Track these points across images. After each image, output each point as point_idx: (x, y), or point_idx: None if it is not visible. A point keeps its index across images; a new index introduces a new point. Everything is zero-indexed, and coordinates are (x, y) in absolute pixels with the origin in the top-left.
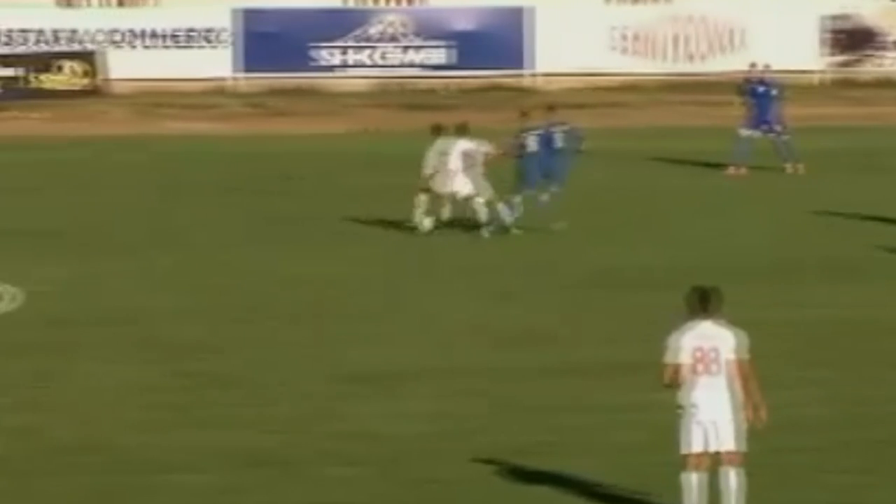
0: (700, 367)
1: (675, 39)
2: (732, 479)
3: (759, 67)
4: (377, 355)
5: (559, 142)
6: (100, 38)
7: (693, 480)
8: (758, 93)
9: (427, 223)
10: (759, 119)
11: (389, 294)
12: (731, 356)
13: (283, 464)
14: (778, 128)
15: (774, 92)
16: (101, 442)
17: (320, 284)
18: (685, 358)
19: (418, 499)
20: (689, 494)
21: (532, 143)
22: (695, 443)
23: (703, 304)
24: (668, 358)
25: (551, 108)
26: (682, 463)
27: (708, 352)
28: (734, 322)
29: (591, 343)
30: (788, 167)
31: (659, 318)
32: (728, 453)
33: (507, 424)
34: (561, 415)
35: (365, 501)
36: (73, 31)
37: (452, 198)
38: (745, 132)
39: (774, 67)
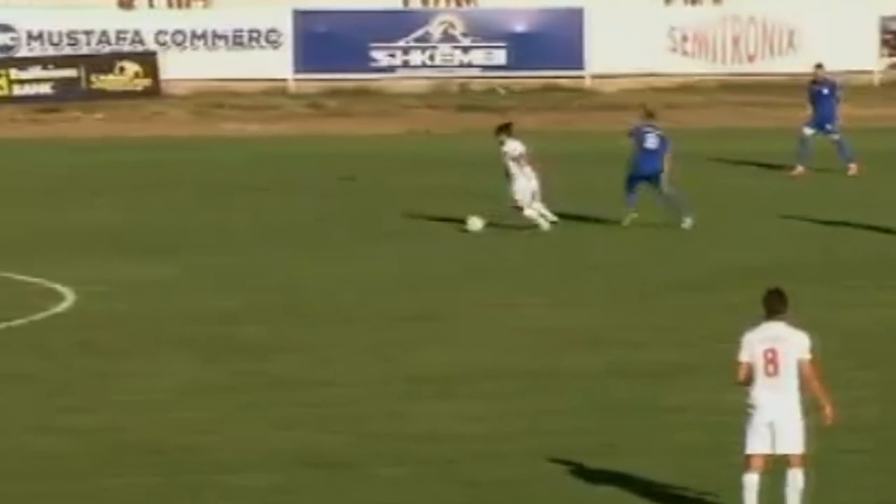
0: (770, 368)
1: (732, 40)
2: (794, 480)
3: (824, 68)
4: (437, 356)
5: (652, 144)
6: (159, 39)
7: (752, 481)
8: (820, 94)
9: (478, 223)
10: (820, 119)
11: (450, 294)
12: (800, 357)
13: (343, 464)
14: (830, 127)
15: (826, 91)
16: (163, 442)
17: (379, 285)
18: (755, 358)
19: (476, 499)
20: (748, 494)
21: (649, 142)
22: (758, 444)
23: (776, 305)
24: (741, 356)
25: (650, 114)
26: (745, 463)
27: (777, 353)
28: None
29: (654, 344)
30: (852, 167)
31: (720, 320)
32: (791, 455)
33: (567, 426)
34: (621, 416)
35: (421, 502)
36: (132, 32)
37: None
38: (808, 131)
39: (831, 68)
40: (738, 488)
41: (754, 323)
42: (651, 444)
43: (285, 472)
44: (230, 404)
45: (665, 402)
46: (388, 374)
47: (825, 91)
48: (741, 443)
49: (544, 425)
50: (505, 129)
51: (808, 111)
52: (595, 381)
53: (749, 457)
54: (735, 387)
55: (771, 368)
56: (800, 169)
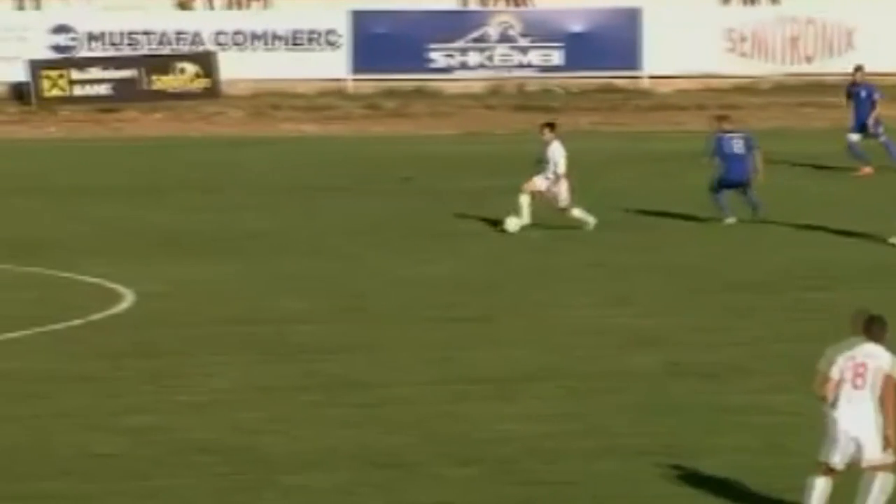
0: (858, 381)
1: (789, 41)
2: (876, 481)
3: (863, 71)
4: (494, 356)
5: (738, 149)
6: (218, 39)
7: (819, 484)
8: (858, 96)
9: (515, 223)
10: (859, 123)
11: (506, 295)
12: (885, 372)
13: (403, 464)
14: (875, 130)
15: (864, 94)
16: (221, 442)
17: (436, 285)
18: (836, 371)
19: (536, 499)
20: (814, 494)
21: (736, 147)
22: (837, 457)
23: (866, 328)
24: (822, 366)
25: (723, 117)
26: (815, 466)
27: (867, 367)
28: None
29: (710, 345)
30: None
31: (775, 321)
32: (871, 464)
33: (624, 426)
34: (677, 416)
35: (481, 501)
36: (191, 33)
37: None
38: (854, 137)
39: (887, 69)
40: (797, 489)
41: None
42: (706, 445)
43: (346, 472)
44: (288, 404)
45: (720, 402)
46: (446, 374)
47: (863, 94)
48: (814, 448)
49: (601, 425)
50: (551, 127)
51: (849, 115)
52: (651, 381)
53: (821, 463)
54: (789, 389)
55: (859, 382)
56: (867, 169)
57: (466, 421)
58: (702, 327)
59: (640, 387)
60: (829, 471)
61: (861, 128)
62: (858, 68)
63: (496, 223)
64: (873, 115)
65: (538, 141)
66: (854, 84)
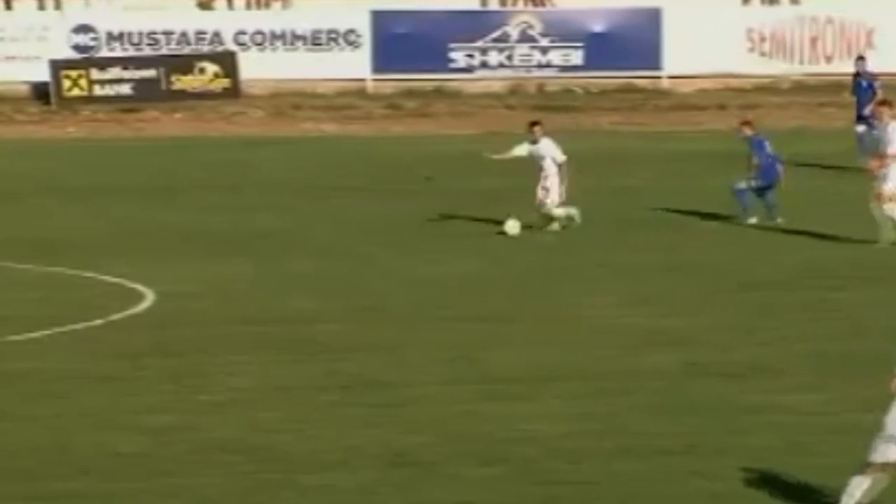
0: None
1: (809, 41)
2: None
3: (865, 61)
4: (514, 356)
5: (771, 150)
6: (238, 39)
7: (865, 484)
8: (860, 87)
9: (516, 227)
10: (859, 112)
11: (526, 294)
12: None
13: (424, 464)
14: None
15: (865, 84)
16: (240, 441)
17: (456, 285)
18: None
19: (555, 499)
20: (856, 492)
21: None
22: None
23: None
24: None
25: (747, 122)
26: (862, 467)
27: None
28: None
29: (730, 344)
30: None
31: (796, 320)
32: None
33: (644, 426)
34: (698, 416)
35: (502, 501)
36: (212, 33)
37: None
38: (860, 129)
39: None
40: (820, 490)
41: None
42: (728, 445)
43: (366, 472)
44: (308, 404)
45: (742, 402)
46: (465, 374)
47: (864, 84)
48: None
49: (622, 425)
50: (538, 125)
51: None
52: (671, 381)
53: (870, 464)
54: (810, 388)
55: None
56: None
57: (486, 420)
58: (722, 327)
59: (660, 387)
60: (877, 471)
61: (862, 118)
62: (861, 58)
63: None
64: (872, 105)
65: (566, 143)
66: (858, 74)
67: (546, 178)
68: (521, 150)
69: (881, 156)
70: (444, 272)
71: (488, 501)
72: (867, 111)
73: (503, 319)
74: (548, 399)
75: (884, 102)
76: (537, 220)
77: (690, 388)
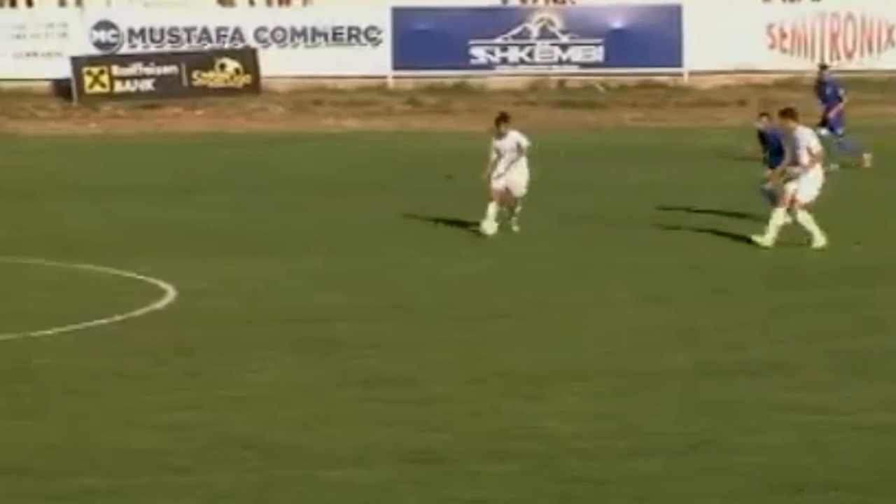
0: None
1: (830, 37)
2: None
3: (828, 69)
4: (531, 354)
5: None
6: (259, 36)
7: None
8: (824, 94)
9: (492, 227)
10: (823, 118)
11: (543, 292)
12: None
13: (441, 461)
14: (835, 126)
15: (829, 91)
16: (260, 437)
17: (474, 283)
18: None
19: (572, 495)
20: None
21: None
22: None
23: None
24: None
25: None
26: None
27: None
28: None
29: (746, 343)
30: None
31: (811, 319)
32: None
33: (660, 424)
34: (714, 414)
35: (519, 497)
36: (232, 30)
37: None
38: (823, 132)
39: None
40: (837, 487)
41: None
42: (744, 443)
43: (385, 469)
44: (328, 401)
45: (756, 400)
46: (483, 372)
47: (828, 91)
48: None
49: (636, 424)
50: (505, 120)
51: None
52: (686, 379)
53: None
54: (826, 386)
55: None
56: (866, 156)
57: (503, 418)
58: (737, 325)
59: (675, 385)
60: None
61: (825, 122)
62: (824, 66)
63: (536, 220)
64: (835, 110)
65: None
66: (821, 82)
67: (516, 166)
68: (492, 150)
69: (793, 162)
70: (464, 271)
71: (504, 498)
72: (831, 115)
73: (521, 318)
74: (565, 397)
75: (788, 111)
76: (505, 212)
77: (705, 386)
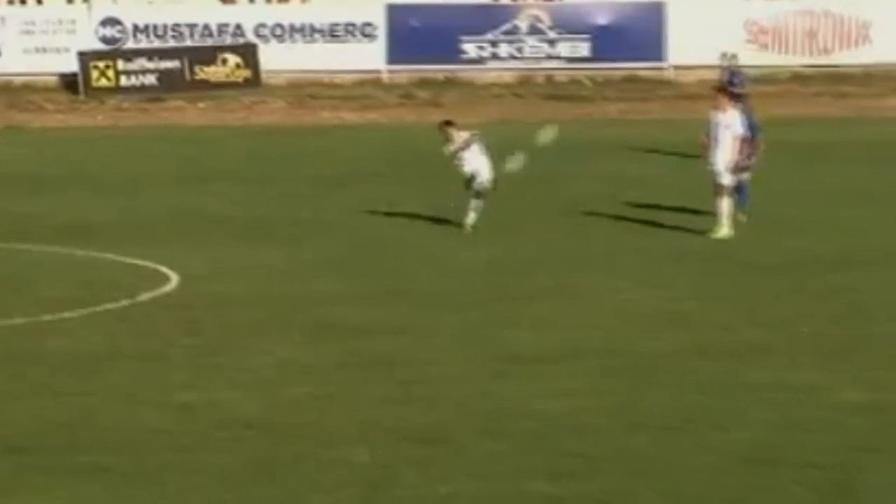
0: None
1: (807, 33)
2: None
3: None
4: (528, 336)
5: None
6: (259, 32)
7: None
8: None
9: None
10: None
11: (540, 278)
12: None
13: (439, 439)
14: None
15: (736, 81)
16: (264, 418)
17: (473, 268)
18: None
19: (564, 470)
20: None
21: None
22: None
23: None
24: None
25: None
26: None
27: None
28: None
29: (736, 326)
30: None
31: (798, 302)
32: None
33: (651, 402)
34: (703, 393)
35: (513, 472)
36: (233, 26)
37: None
38: None
39: None
40: (812, 466)
41: None
42: (729, 421)
43: (384, 447)
44: (330, 382)
45: (743, 380)
46: (482, 353)
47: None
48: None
49: (631, 402)
50: (451, 124)
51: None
52: (678, 360)
53: None
54: (810, 368)
55: None
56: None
57: (500, 398)
58: (725, 309)
59: (669, 365)
60: None
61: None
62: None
63: (529, 209)
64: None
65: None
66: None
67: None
68: (447, 152)
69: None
70: (465, 257)
71: (500, 472)
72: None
73: (522, 302)
74: (558, 377)
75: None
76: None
77: (697, 366)
